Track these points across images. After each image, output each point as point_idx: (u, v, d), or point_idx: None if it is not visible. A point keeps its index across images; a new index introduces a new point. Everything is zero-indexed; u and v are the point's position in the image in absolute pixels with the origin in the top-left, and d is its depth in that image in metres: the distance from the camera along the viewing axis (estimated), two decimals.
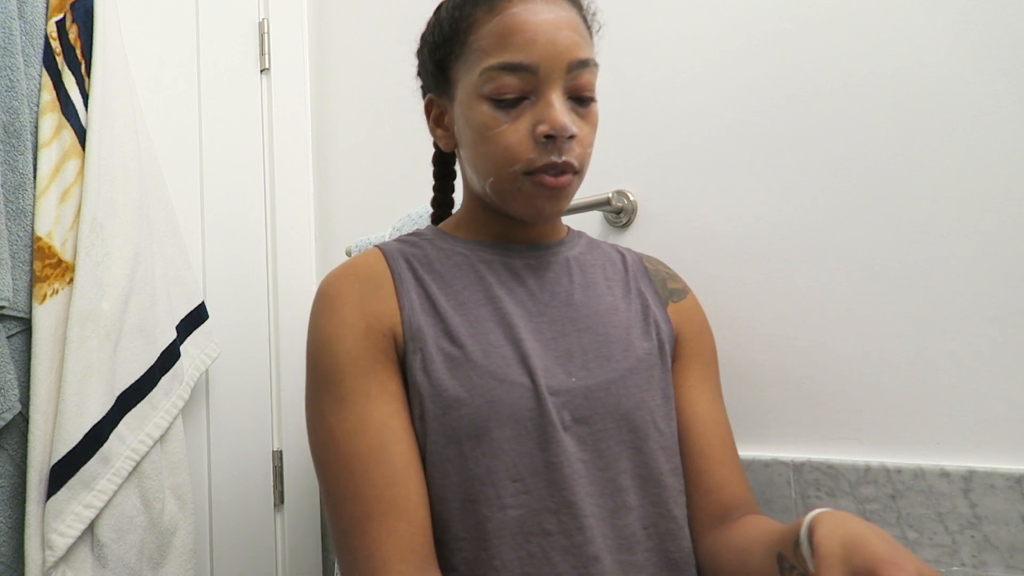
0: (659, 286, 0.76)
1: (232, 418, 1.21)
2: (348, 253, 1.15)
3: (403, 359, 0.65)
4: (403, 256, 0.70)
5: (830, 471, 0.79)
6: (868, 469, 0.77)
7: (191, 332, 1.11)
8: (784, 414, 0.84)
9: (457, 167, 0.80)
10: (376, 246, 0.72)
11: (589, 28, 0.68)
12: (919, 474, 0.74)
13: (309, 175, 1.37)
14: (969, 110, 0.74)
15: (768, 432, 0.84)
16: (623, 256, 0.78)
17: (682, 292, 0.77)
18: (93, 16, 0.99)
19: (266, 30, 1.31)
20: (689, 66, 0.93)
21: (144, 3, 1.17)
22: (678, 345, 0.74)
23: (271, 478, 1.24)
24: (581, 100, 0.65)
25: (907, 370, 0.77)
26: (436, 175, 0.82)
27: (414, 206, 1.21)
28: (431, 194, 1.20)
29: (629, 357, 0.68)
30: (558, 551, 0.60)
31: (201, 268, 1.21)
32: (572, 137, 0.63)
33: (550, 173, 0.63)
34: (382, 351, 0.64)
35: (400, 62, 1.27)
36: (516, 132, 0.63)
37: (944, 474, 0.73)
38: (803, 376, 0.83)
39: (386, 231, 1.09)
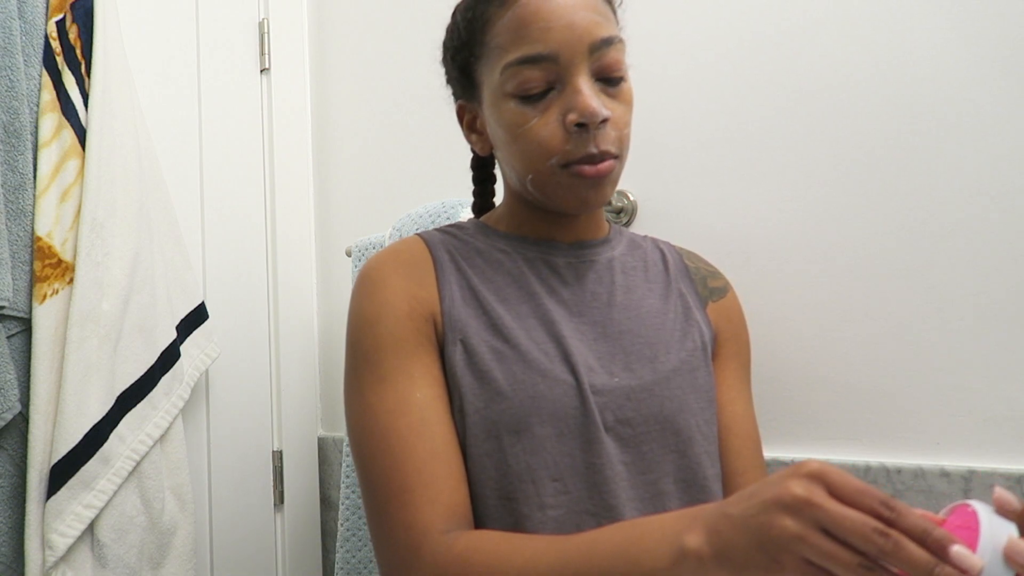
0: (699, 285, 0.74)
1: (232, 418, 1.21)
2: (348, 253, 1.15)
3: (441, 349, 0.63)
4: (445, 247, 0.69)
5: None
6: (868, 469, 0.77)
7: (191, 332, 1.11)
8: (784, 414, 0.84)
9: (496, 170, 0.78)
10: (417, 234, 0.71)
11: (610, 2, 0.65)
12: (919, 474, 0.74)
13: (309, 175, 1.37)
14: (969, 110, 0.74)
15: (768, 432, 0.84)
16: (663, 254, 0.75)
17: (722, 291, 0.75)
18: (93, 16, 0.99)
19: (266, 30, 1.31)
20: (689, 66, 0.93)
21: (144, 3, 1.17)
22: (716, 344, 0.72)
23: (271, 478, 1.24)
24: (610, 80, 0.62)
25: (907, 370, 0.77)
26: (475, 179, 0.80)
27: (414, 206, 1.21)
28: (432, 196, 1.20)
29: (671, 359, 0.66)
30: None
31: (201, 268, 1.21)
32: (605, 121, 0.60)
33: (588, 163, 0.61)
34: (425, 335, 0.63)
35: (400, 62, 1.27)
36: (547, 125, 0.61)
37: (944, 474, 0.73)
38: (803, 376, 0.83)
39: (386, 231, 1.09)
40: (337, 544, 1.05)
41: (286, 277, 1.30)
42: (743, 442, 0.69)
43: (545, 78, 0.61)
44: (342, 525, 1.05)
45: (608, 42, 0.61)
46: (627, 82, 0.64)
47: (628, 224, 0.96)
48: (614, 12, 0.65)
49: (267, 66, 1.31)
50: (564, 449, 0.60)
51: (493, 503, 0.60)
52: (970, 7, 0.74)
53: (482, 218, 0.75)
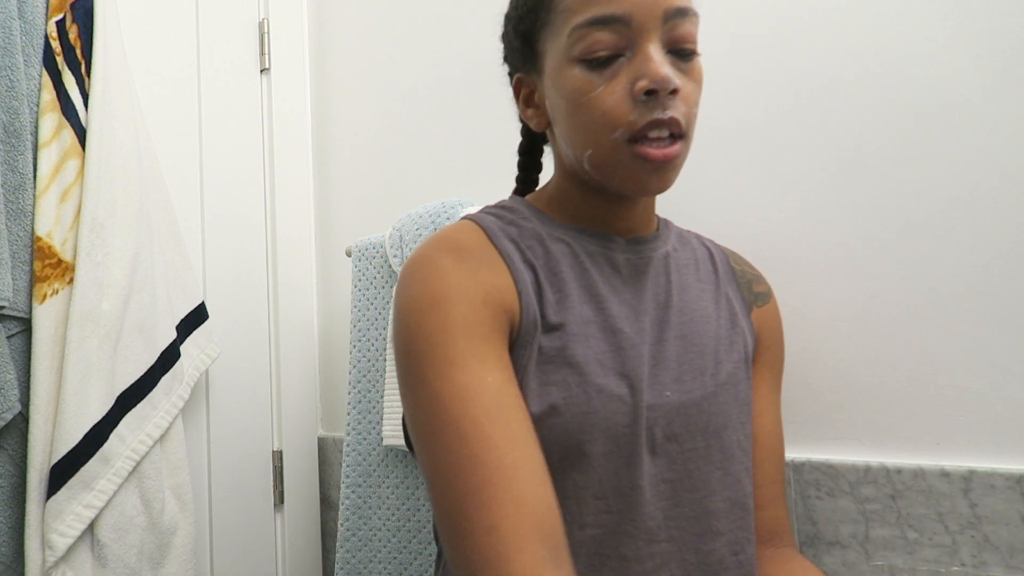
0: (744, 290, 0.72)
1: (232, 418, 1.21)
2: (348, 253, 1.15)
3: (512, 346, 0.57)
4: (507, 235, 0.62)
5: (830, 471, 0.79)
6: (868, 469, 0.77)
7: (191, 332, 1.11)
8: (784, 414, 0.84)
9: (543, 158, 0.75)
10: (470, 218, 0.64)
11: None
12: (919, 474, 0.74)
13: (309, 175, 1.37)
14: (970, 110, 0.74)
15: None
16: (711, 253, 0.72)
17: (766, 296, 0.73)
18: (93, 16, 0.99)
19: (266, 30, 1.31)
20: None
21: (144, 3, 1.17)
22: (756, 351, 0.70)
23: (271, 478, 1.24)
24: (682, 53, 0.58)
25: (907, 370, 0.77)
26: (521, 165, 0.76)
27: (414, 206, 1.21)
28: (432, 196, 1.20)
29: (720, 372, 0.63)
30: None
31: (201, 268, 1.21)
32: (675, 92, 0.56)
33: (654, 144, 0.57)
34: (500, 325, 0.56)
35: (400, 62, 1.27)
36: (613, 94, 0.57)
37: (944, 474, 0.73)
38: (803, 376, 0.83)
39: (386, 231, 1.09)
40: (337, 544, 1.05)
41: (286, 277, 1.30)
42: (767, 456, 0.67)
43: (615, 43, 0.57)
44: (342, 525, 1.05)
45: (683, 12, 0.57)
46: (699, 60, 0.60)
47: None
48: None
49: (267, 66, 1.31)
50: (611, 468, 0.57)
51: None
52: (971, 7, 0.74)
53: (529, 198, 0.69)
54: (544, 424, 0.56)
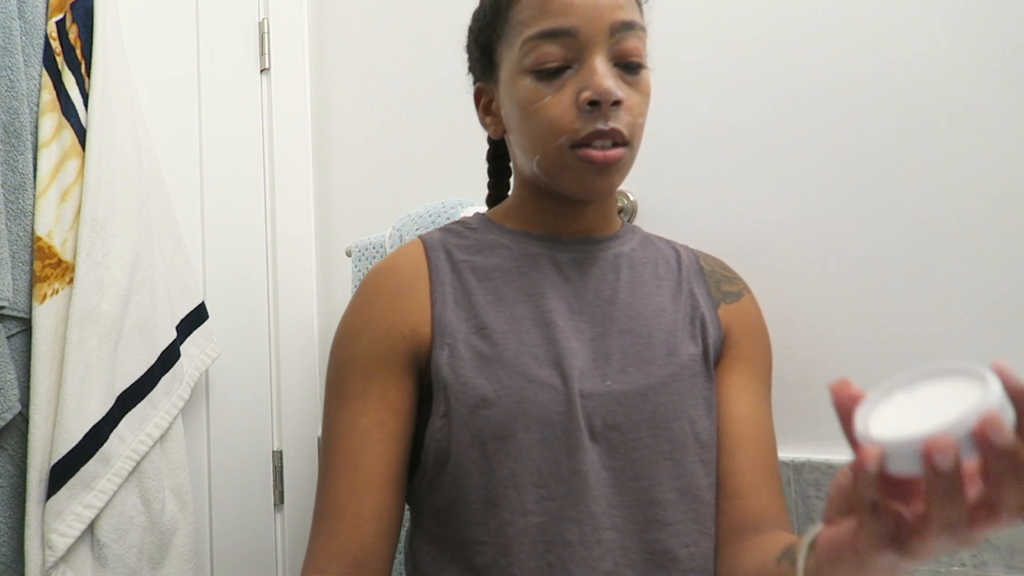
0: (713, 288, 0.72)
1: (232, 418, 1.21)
2: (348, 253, 1.16)
3: (428, 356, 0.63)
4: (444, 247, 0.68)
5: (830, 471, 0.79)
6: None
7: (191, 332, 1.11)
8: (784, 414, 0.84)
9: (511, 163, 0.77)
10: (420, 236, 0.71)
11: None
12: None
13: (309, 175, 1.37)
14: (969, 110, 0.74)
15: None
16: (679, 254, 0.74)
17: (737, 294, 0.73)
18: (93, 16, 0.99)
19: (266, 30, 1.31)
20: (689, 66, 0.93)
21: (144, 3, 1.17)
22: (725, 346, 0.70)
23: (271, 478, 1.24)
24: (628, 66, 0.61)
25: (907, 370, 0.76)
26: (490, 172, 0.79)
27: (414, 206, 1.21)
28: (433, 196, 1.20)
29: (672, 363, 0.64)
30: (577, 563, 0.58)
31: (201, 268, 1.21)
32: (618, 103, 0.59)
33: (597, 147, 0.60)
34: (397, 355, 0.64)
35: (400, 62, 1.27)
36: (560, 103, 0.60)
37: None
38: (803, 376, 0.83)
39: (386, 231, 1.09)
40: None
41: (286, 277, 1.29)
42: (740, 443, 0.66)
43: (563, 55, 0.60)
44: None
45: (629, 26, 0.61)
46: (647, 73, 0.63)
47: None
48: (639, 4, 0.65)
49: (267, 66, 1.31)
50: (549, 455, 0.59)
51: (477, 508, 0.60)
52: (971, 7, 0.74)
53: (489, 212, 0.74)
54: (478, 415, 0.60)
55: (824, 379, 0.81)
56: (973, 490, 0.34)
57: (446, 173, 1.19)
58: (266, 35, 1.31)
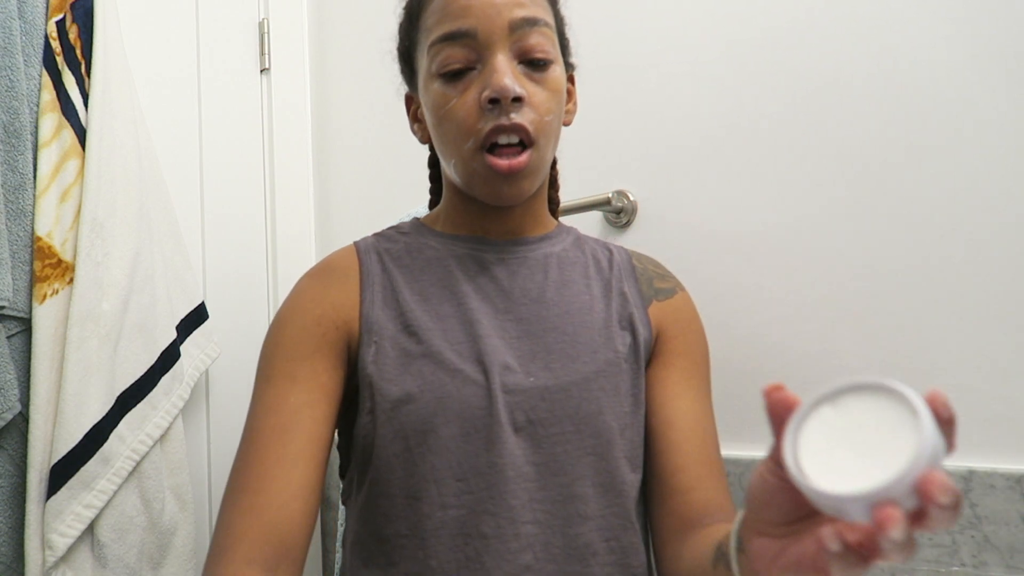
0: (644, 285, 0.73)
1: (232, 418, 1.21)
2: None
3: (356, 351, 0.64)
4: (375, 250, 0.70)
5: None
6: None
7: (191, 332, 1.11)
8: None
9: None
10: (354, 242, 0.72)
11: None
12: None
13: (309, 175, 1.37)
14: (969, 110, 0.74)
15: (767, 432, 0.84)
16: (611, 254, 0.74)
17: (669, 291, 0.74)
18: (93, 16, 0.99)
19: (266, 30, 1.31)
20: (689, 66, 0.93)
21: (144, 3, 1.17)
22: (659, 343, 0.71)
23: None
24: (534, 63, 0.62)
25: (907, 370, 0.77)
26: (431, 177, 0.81)
27: (414, 206, 1.21)
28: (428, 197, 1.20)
29: (596, 360, 0.65)
30: (492, 556, 0.58)
31: (201, 268, 1.21)
32: (519, 100, 0.60)
33: (502, 149, 0.61)
34: (328, 342, 0.63)
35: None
36: (464, 105, 0.61)
37: None
38: (803, 376, 0.83)
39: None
40: (337, 544, 1.05)
41: (286, 277, 1.29)
42: (686, 437, 0.66)
43: (466, 56, 0.61)
44: (342, 525, 1.05)
45: (530, 22, 0.61)
46: (556, 68, 0.64)
47: (628, 224, 0.96)
48: (550, 1, 0.66)
49: (267, 66, 1.31)
50: (469, 449, 0.60)
51: (400, 502, 0.60)
52: (970, 7, 0.74)
53: (423, 218, 0.76)
54: (400, 411, 0.60)
55: (824, 379, 0.81)
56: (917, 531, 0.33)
57: None
58: (266, 35, 1.31)
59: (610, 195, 0.93)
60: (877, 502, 0.32)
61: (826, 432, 0.36)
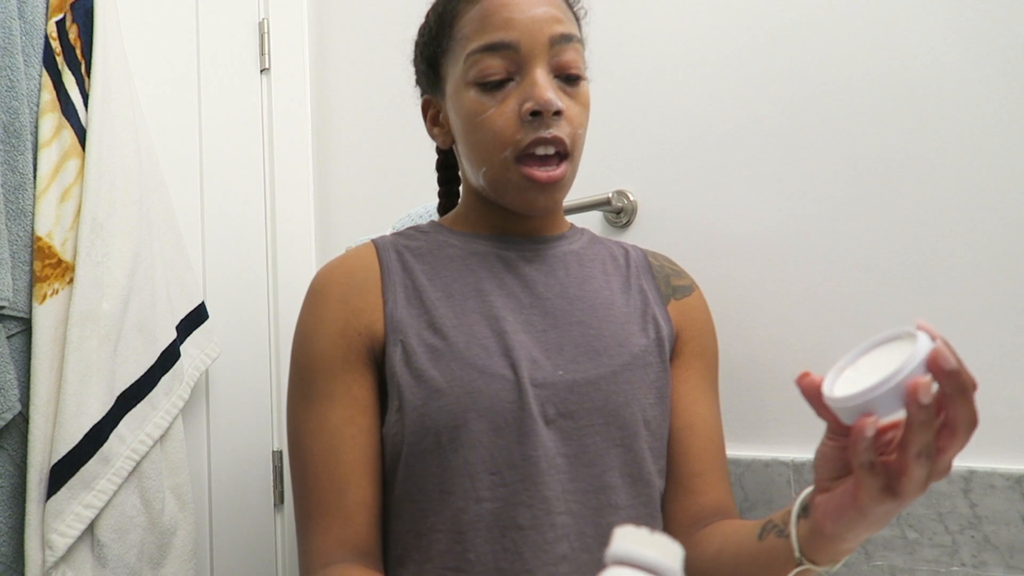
0: (662, 283, 0.75)
1: (232, 418, 1.21)
2: None
3: (382, 352, 0.65)
4: (394, 248, 0.70)
5: None
6: None
7: (191, 332, 1.11)
8: (784, 414, 0.84)
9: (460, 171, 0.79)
10: (372, 240, 0.73)
11: (572, 9, 0.68)
12: None
13: (309, 175, 1.37)
14: (969, 111, 0.74)
15: (768, 432, 0.84)
16: (627, 252, 0.76)
17: (686, 289, 0.75)
18: (93, 16, 0.99)
19: (266, 30, 1.31)
20: (690, 66, 0.93)
21: (144, 3, 1.17)
22: (678, 343, 0.72)
23: (271, 478, 1.24)
24: (568, 78, 0.65)
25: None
26: (440, 181, 0.81)
27: (414, 206, 1.21)
28: (433, 196, 1.20)
29: (623, 353, 0.66)
30: (530, 547, 0.59)
31: (201, 268, 1.21)
32: (559, 113, 0.62)
33: (540, 167, 0.63)
34: (355, 352, 0.65)
35: (400, 62, 1.26)
36: (503, 115, 0.63)
37: None
38: None
39: (386, 231, 1.09)
40: None
41: (286, 277, 1.29)
42: (705, 444, 0.69)
43: (505, 67, 0.63)
44: None
45: (568, 38, 0.64)
46: (585, 84, 0.66)
47: (628, 224, 0.96)
48: (577, 19, 0.68)
49: (267, 66, 1.31)
50: (501, 443, 0.61)
51: (434, 497, 0.61)
52: (970, 8, 0.74)
53: (441, 219, 0.77)
54: (430, 407, 0.61)
55: None
56: (942, 412, 0.39)
57: None
58: (266, 35, 1.31)
59: (610, 195, 0.93)
60: (870, 399, 0.39)
61: (856, 372, 0.43)
